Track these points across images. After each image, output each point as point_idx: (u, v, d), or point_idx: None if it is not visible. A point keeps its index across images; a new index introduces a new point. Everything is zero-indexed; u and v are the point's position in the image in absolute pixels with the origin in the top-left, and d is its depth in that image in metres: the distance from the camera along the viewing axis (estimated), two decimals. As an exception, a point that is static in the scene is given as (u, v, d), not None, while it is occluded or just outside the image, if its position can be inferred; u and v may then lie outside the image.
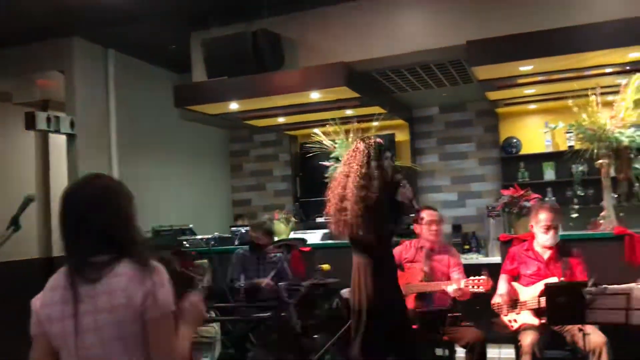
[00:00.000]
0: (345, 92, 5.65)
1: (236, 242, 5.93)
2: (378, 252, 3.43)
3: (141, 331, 1.74)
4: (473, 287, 3.96)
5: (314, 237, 5.91)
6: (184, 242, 5.70)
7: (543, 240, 4.05)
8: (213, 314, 4.44)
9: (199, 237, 5.93)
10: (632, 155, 4.54)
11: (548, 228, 4.01)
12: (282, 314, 4.10)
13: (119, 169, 6.42)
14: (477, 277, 3.97)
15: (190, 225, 6.32)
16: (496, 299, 4.07)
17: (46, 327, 1.78)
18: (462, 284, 3.96)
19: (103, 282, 1.73)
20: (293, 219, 6.48)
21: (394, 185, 3.41)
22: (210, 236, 5.88)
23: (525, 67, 5.22)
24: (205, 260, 5.13)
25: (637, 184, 4.55)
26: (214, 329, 4.53)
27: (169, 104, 6.26)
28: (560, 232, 4.49)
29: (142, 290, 1.73)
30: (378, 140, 3.55)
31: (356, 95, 5.75)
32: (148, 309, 1.73)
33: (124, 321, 1.72)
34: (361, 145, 3.50)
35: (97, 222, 1.79)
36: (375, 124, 5.79)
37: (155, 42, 6.62)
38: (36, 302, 1.82)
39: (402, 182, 3.41)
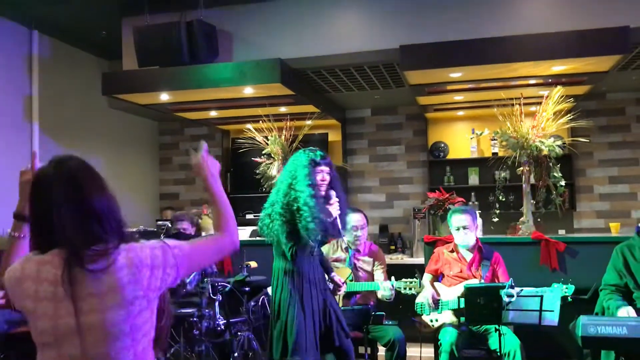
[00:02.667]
0: (280, 89, 5.63)
1: (162, 237, 5.79)
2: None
3: (150, 318, 1.67)
4: (405, 289, 4.06)
5: (242, 233, 5.86)
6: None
7: (458, 241, 4.21)
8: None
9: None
10: (551, 164, 4.76)
11: (457, 228, 4.17)
12: (207, 310, 4.04)
13: (39, 156, 6.13)
14: (409, 279, 4.07)
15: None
16: (419, 299, 4.17)
17: (30, 318, 1.63)
18: (396, 286, 4.05)
19: (107, 274, 1.60)
20: (222, 215, 6.40)
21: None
22: (135, 229, 5.71)
23: (455, 74, 5.37)
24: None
25: (554, 192, 4.77)
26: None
27: (97, 91, 6.03)
28: (482, 236, 4.66)
29: (148, 271, 1.65)
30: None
31: (290, 92, 5.74)
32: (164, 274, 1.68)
33: (134, 314, 1.62)
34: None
35: (88, 207, 1.66)
36: (308, 122, 5.80)
37: (85, 27, 6.37)
38: (14, 289, 1.66)
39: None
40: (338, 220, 3.33)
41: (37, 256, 1.66)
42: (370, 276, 4.39)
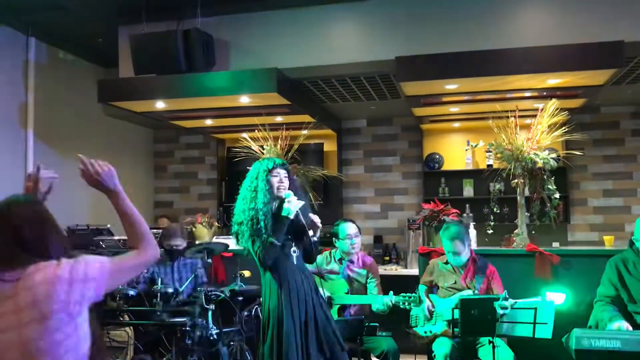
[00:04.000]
0: (276, 99, 5.63)
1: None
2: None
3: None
4: (404, 304, 4.04)
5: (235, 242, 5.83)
6: (101, 243, 5.47)
7: (448, 259, 4.22)
8: (127, 318, 4.29)
9: (116, 237, 5.71)
10: (545, 177, 4.77)
11: (449, 252, 4.19)
12: (199, 319, 4.01)
13: (34, 162, 6.12)
14: (408, 294, 4.05)
15: (108, 225, 6.09)
16: (413, 310, 4.16)
17: None
18: (394, 300, 4.03)
19: (24, 289, 1.62)
20: (216, 224, 6.39)
21: None
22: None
23: (451, 85, 5.39)
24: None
25: (548, 204, 4.77)
26: (127, 333, 4.38)
27: (92, 99, 6.02)
28: (476, 247, 4.66)
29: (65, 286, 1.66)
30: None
31: (287, 102, 5.75)
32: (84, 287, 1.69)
33: (51, 329, 1.62)
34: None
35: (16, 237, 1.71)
36: (304, 132, 5.80)
37: (82, 34, 6.37)
38: None
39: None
40: (301, 216, 3.26)
41: None
42: (364, 288, 4.37)
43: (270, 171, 3.32)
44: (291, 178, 3.42)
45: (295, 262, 3.31)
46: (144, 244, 1.90)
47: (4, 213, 1.75)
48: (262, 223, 3.19)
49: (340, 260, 4.43)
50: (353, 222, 4.53)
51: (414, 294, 4.04)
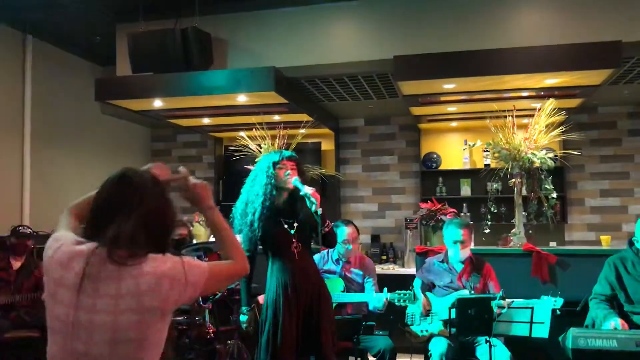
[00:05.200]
0: (274, 97, 5.63)
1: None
2: None
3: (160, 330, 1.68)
4: (399, 300, 4.04)
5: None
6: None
7: (452, 252, 4.19)
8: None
9: None
10: (542, 176, 4.78)
11: (455, 242, 4.16)
12: (196, 318, 4.01)
13: (31, 161, 6.11)
14: (403, 291, 4.05)
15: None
16: (409, 308, 4.16)
17: (48, 301, 1.66)
18: (389, 297, 4.02)
19: (130, 278, 1.61)
20: (213, 222, 6.37)
21: None
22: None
23: (449, 85, 5.39)
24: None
25: (546, 204, 4.78)
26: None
27: (90, 97, 6.01)
28: (473, 247, 4.66)
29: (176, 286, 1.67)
30: None
31: (284, 101, 5.75)
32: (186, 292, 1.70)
33: (145, 323, 1.63)
34: None
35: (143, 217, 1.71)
36: (302, 131, 5.80)
37: (79, 32, 6.36)
38: (47, 263, 1.69)
39: None
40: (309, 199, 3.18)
41: (74, 245, 1.68)
42: (361, 288, 4.38)
43: (276, 164, 3.32)
44: (301, 170, 3.40)
45: (297, 258, 3.28)
46: (240, 256, 1.92)
47: (141, 191, 1.74)
48: (249, 216, 3.25)
49: (337, 260, 4.43)
50: (353, 224, 4.48)
51: (409, 291, 4.04)
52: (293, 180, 3.24)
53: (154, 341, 1.67)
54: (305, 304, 3.22)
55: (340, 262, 4.42)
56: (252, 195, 3.32)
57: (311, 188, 3.22)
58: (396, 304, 4.06)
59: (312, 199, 3.13)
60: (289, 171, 3.31)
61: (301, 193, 3.19)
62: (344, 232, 4.35)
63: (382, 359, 3.96)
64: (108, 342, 1.59)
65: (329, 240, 3.37)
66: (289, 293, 3.20)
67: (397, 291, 4.05)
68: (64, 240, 1.71)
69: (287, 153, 3.40)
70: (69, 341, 1.61)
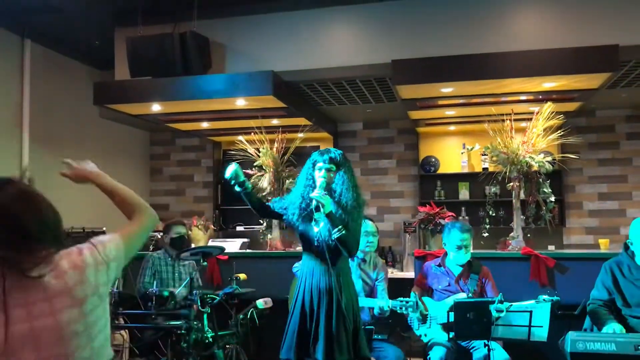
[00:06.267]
0: (272, 101, 5.64)
1: (151, 248, 5.76)
2: None
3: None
4: (401, 308, 4.01)
5: (232, 245, 5.84)
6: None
7: (453, 257, 4.19)
8: (122, 321, 4.28)
9: None
10: (540, 180, 4.78)
11: (459, 247, 4.15)
12: (195, 322, 4.00)
13: (29, 165, 6.10)
14: (406, 299, 4.02)
15: (104, 228, 6.07)
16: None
17: None
18: (391, 304, 4.00)
19: (54, 278, 1.62)
20: (211, 227, 6.38)
21: None
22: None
23: (447, 89, 5.40)
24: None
25: (544, 207, 4.79)
26: (122, 336, 4.37)
27: (88, 101, 6.02)
28: (472, 250, 4.66)
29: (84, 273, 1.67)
30: None
31: (283, 105, 5.76)
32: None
33: (86, 312, 1.65)
34: None
35: (22, 230, 1.66)
36: (300, 135, 5.81)
37: (78, 36, 6.37)
38: None
39: None
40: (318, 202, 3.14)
41: None
42: (371, 290, 4.31)
43: (315, 164, 3.33)
44: (340, 175, 3.31)
45: (315, 258, 3.26)
46: (139, 209, 1.96)
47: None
48: (289, 215, 3.31)
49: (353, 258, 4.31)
50: (372, 220, 4.46)
51: (411, 299, 4.01)
52: (313, 194, 3.17)
53: (101, 326, 1.71)
54: (316, 304, 3.21)
55: (356, 259, 4.29)
56: (294, 196, 3.37)
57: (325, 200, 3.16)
58: (398, 311, 4.03)
59: (319, 214, 3.12)
60: (323, 178, 3.25)
61: (313, 209, 3.14)
62: (365, 225, 4.25)
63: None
64: (58, 342, 1.61)
65: (342, 247, 3.21)
66: (304, 290, 3.22)
67: (400, 299, 4.02)
68: None
69: (327, 156, 3.31)
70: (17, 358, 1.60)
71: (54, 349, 1.62)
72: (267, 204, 3.51)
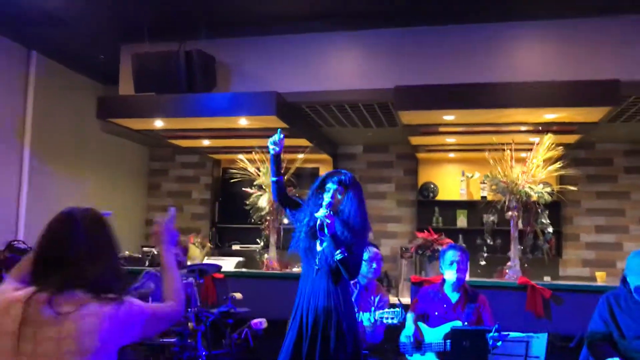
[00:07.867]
0: (274, 122, 5.66)
1: (147, 264, 5.73)
2: None
3: None
4: (387, 319, 3.98)
5: (228, 264, 5.81)
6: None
7: (449, 277, 4.17)
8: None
9: None
10: (539, 210, 4.80)
11: (452, 263, 4.13)
12: (189, 340, 3.98)
13: (29, 176, 6.10)
14: (390, 309, 3.99)
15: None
16: (402, 339, 4.13)
17: None
18: (377, 315, 3.96)
19: (69, 320, 1.62)
20: (208, 244, 6.36)
21: None
22: (119, 255, 5.64)
23: (448, 116, 5.44)
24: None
25: (541, 238, 4.80)
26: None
27: (90, 114, 6.04)
28: (468, 278, 4.65)
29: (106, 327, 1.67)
30: None
31: (285, 125, 5.78)
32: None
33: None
34: None
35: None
36: (300, 156, 5.83)
37: (83, 50, 6.40)
38: None
39: None
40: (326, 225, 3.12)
41: (12, 292, 1.69)
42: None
43: (324, 184, 3.28)
44: (349, 197, 3.27)
45: (315, 277, 3.22)
46: (179, 299, 1.97)
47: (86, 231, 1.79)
48: (297, 233, 3.27)
49: (355, 284, 4.29)
50: (375, 246, 4.38)
51: (396, 309, 3.96)
52: (317, 214, 3.14)
53: None
54: (309, 323, 3.18)
55: (357, 285, 4.22)
56: (300, 213, 3.33)
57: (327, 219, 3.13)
58: (384, 321, 3.97)
59: (325, 234, 3.11)
60: (329, 198, 3.20)
61: (317, 228, 3.15)
62: (368, 251, 4.18)
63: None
64: None
65: (343, 270, 3.17)
66: (302, 309, 3.21)
67: (386, 309, 3.98)
68: (4, 288, 1.74)
69: (337, 177, 3.29)
70: None
71: None
72: (293, 197, 3.49)
